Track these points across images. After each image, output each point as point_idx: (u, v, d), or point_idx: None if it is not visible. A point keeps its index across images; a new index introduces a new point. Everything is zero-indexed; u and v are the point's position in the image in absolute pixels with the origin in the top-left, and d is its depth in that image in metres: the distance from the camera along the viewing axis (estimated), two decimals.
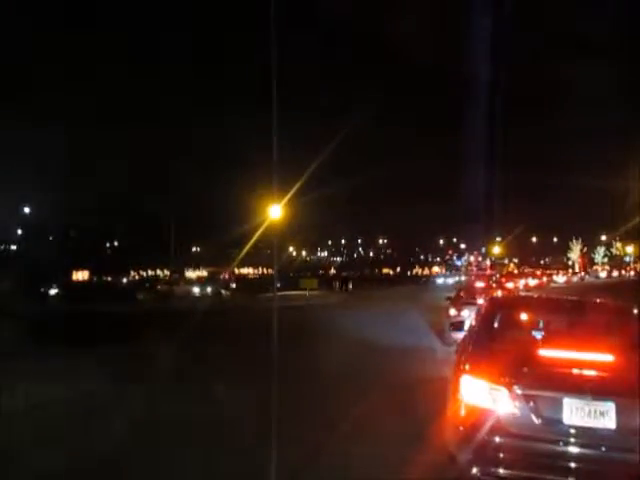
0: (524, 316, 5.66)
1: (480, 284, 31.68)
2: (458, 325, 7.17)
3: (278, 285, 39.09)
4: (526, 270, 76.08)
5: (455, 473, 4.29)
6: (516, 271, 73.06)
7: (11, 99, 46.44)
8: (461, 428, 4.28)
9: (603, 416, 3.90)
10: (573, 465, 3.93)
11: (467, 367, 4.53)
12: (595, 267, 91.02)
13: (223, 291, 37.86)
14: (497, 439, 4.03)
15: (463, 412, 4.29)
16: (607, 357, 4.23)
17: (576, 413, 3.94)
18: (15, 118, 45.76)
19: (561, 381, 4.11)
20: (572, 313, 5.66)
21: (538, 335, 5.14)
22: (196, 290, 37.62)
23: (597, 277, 74.80)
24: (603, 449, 3.91)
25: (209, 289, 37.83)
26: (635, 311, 5.39)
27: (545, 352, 4.47)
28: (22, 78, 52.77)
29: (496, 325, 5.33)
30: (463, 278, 66.38)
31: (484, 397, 4.15)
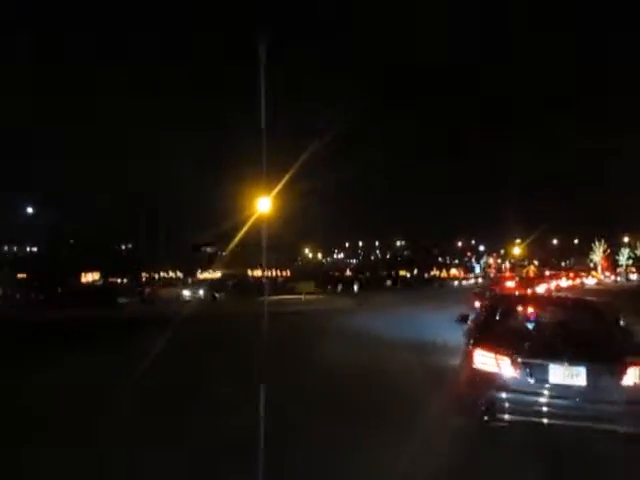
0: (519, 308, 6.97)
1: (510, 284, 30.85)
2: (463, 317, 8.31)
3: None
4: (548, 272, 74.49)
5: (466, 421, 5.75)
6: (548, 272, 71.60)
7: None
8: (475, 388, 5.65)
9: (577, 376, 5.29)
10: (556, 411, 5.30)
11: (479, 343, 5.89)
12: (619, 269, 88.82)
13: (217, 294, 34.97)
14: (503, 394, 5.42)
15: (476, 376, 5.65)
16: (581, 336, 6.05)
17: (558, 374, 5.34)
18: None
19: (547, 352, 5.54)
20: (557, 307, 7.30)
21: (530, 324, 6.42)
22: (186, 293, 34.45)
23: (628, 279, 72.70)
24: (577, 400, 5.26)
25: (201, 292, 34.85)
26: (605, 305, 7.21)
27: (535, 333, 6.18)
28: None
29: (498, 315, 6.81)
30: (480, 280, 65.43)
31: (492, 364, 5.54)
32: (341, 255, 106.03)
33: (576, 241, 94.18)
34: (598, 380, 5.27)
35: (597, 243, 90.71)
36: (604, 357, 5.47)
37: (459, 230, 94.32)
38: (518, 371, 5.42)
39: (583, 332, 6.25)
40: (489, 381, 5.51)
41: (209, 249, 67.32)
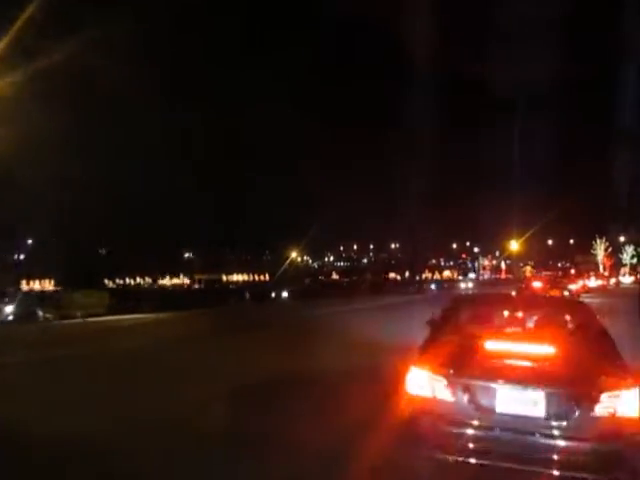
0: (479, 311, 5.80)
1: (537, 284, 29.71)
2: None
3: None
4: (544, 274, 72.85)
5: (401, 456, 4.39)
6: (543, 274, 70.02)
7: None
8: (404, 415, 4.46)
9: (535, 405, 4.02)
10: (507, 450, 4.01)
11: (415, 358, 4.67)
12: (623, 269, 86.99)
13: (40, 312, 24.71)
14: (438, 426, 4.21)
15: (408, 402, 4.45)
16: (544, 349, 4.38)
17: (508, 401, 4.07)
18: None
19: (495, 371, 4.22)
20: (522, 307, 5.80)
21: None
22: None
23: None
24: (534, 436, 4.01)
25: (8, 309, 24.98)
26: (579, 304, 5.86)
27: (487, 344, 4.57)
28: None
29: (452, 320, 5.52)
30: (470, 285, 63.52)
31: (426, 386, 4.33)
32: (332, 258, 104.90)
33: (571, 241, 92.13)
34: (561, 409, 3.98)
35: (598, 241, 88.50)
36: (570, 378, 4.11)
37: (453, 232, 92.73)
38: (457, 396, 4.17)
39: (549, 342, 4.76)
40: (422, 409, 4.32)
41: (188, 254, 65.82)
